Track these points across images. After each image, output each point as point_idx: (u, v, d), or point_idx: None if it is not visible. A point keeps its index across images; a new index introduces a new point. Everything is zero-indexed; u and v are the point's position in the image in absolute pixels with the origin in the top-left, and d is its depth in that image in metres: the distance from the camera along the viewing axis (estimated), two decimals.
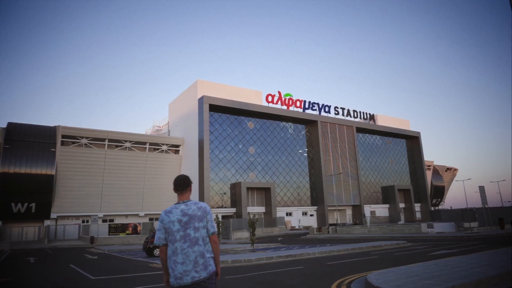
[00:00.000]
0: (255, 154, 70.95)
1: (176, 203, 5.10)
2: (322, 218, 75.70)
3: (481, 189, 46.14)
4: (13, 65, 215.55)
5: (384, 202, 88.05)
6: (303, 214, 76.75)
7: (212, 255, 5.02)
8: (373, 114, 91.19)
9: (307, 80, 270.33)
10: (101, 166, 62.11)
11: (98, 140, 62.32)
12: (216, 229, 5.21)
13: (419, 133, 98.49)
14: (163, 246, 4.99)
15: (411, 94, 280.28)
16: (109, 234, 54.33)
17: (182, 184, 5.13)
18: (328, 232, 61.22)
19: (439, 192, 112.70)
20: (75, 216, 60.85)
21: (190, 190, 5.26)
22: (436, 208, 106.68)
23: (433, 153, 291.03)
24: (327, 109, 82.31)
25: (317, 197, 78.21)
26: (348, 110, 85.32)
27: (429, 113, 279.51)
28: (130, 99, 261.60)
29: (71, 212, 59.88)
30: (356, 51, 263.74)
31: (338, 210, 78.99)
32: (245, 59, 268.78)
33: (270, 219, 65.79)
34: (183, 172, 68.13)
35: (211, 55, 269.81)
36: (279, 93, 74.21)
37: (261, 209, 68.99)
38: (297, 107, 77.64)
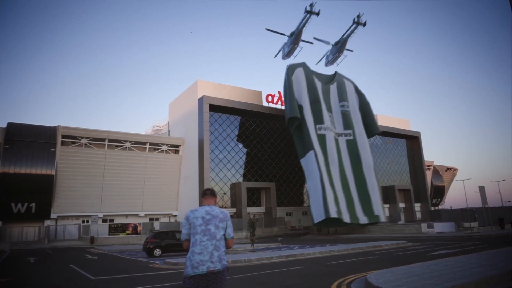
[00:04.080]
0: (255, 154, 70.87)
1: (201, 206, 5.69)
2: None
3: (481, 189, 46.16)
4: (13, 65, 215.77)
5: (384, 202, 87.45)
6: (303, 214, 76.70)
7: (225, 250, 5.52)
8: None
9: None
10: (101, 166, 62.09)
11: (98, 140, 62.26)
12: (233, 235, 5.83)
13: (419, 133, 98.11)
14: (185, 241, 5.56)
15: (411, 94, 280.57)
16: (109, 234, 54.34)
17: (211, 190, 5.89)
18: (328, 232, 61.24)
19: (439, 192, 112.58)
20: (75, 216, 60.80)
21: (215, 201, 5.87)
22: (436, 208, 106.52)
23: (433, 153, 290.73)
24: None
25: None
26: None
27: (429, 113, 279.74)
28: (130, 99, 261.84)
29: (71, 212, 59.83)
30: (356, 50, 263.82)
31: None
32: (245, 59, 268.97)
33: (270, 219, 65.78)
34: (183, 172, 68.21)
35: (211, 55, 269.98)
36: (279, 93, 73.88)
37: (261, 209, 68.91)
38: None
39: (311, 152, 55.45)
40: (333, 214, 50.34)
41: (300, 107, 58.43)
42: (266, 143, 72.28)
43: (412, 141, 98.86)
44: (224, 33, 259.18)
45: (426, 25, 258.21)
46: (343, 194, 55.54)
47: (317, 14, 57.81)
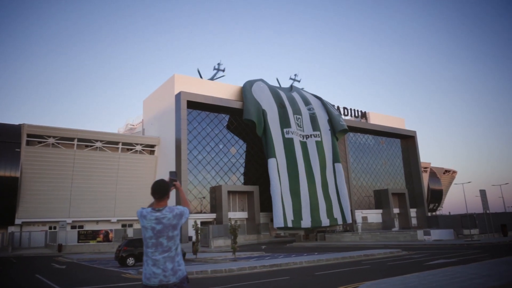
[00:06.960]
0: (237, 155, 70.60)
1: (151, 208, 5.53)
2: None
3: (482, 193, 46.51)
4: None
5: (377, 207, 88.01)
6: None
7: (181, 259, 5.46)
8: (365, 112, 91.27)
9: (292, 74, 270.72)
10: (70, 167, 61.54)
11: (66, 139, 61.68)
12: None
13: (415, 132, 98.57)
14: None
15: (406, 90, 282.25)
16: (78, 242, 53.91)
17: (159, 193, 5.66)
18: (316, 239, 61.48)
19: (437, 196, 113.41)
20: (42, 222, 60.22)
21: (168, 197, 5.74)
22: (434, 213, 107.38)
23: (430, 154, 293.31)
24: None
25: None
26: (338, 107, 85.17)
27: (426, 111, 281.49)
28: (101, 95, 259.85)
29: (37, 217, 59.21)
30: (348, 45, 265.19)
31: None
32: (226, 54, 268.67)
33: (253, 225, 65.57)
34: (159, 174, 67.67)
35: (190, 49, 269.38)
36: None
37: (244, 215, 68.66)
38: None
39: (273, 160, 63.96)
40: (289, 223, 61.93)
41: (264, 112, 66.11)
42: (249, 143, 72.10)
43: (407, 141, 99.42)
44: (203, 24, 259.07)
45: (421, 18, 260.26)
46: (308, 198, 65.42)
47: (223, 70, 74.91)
